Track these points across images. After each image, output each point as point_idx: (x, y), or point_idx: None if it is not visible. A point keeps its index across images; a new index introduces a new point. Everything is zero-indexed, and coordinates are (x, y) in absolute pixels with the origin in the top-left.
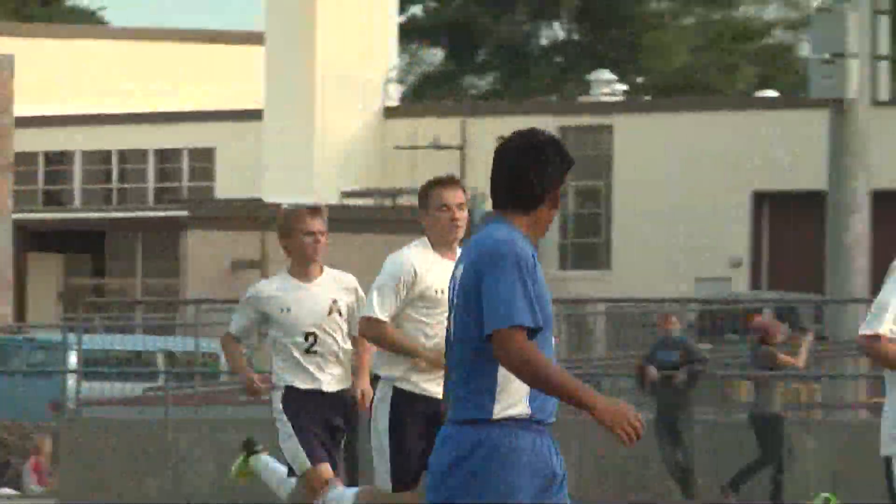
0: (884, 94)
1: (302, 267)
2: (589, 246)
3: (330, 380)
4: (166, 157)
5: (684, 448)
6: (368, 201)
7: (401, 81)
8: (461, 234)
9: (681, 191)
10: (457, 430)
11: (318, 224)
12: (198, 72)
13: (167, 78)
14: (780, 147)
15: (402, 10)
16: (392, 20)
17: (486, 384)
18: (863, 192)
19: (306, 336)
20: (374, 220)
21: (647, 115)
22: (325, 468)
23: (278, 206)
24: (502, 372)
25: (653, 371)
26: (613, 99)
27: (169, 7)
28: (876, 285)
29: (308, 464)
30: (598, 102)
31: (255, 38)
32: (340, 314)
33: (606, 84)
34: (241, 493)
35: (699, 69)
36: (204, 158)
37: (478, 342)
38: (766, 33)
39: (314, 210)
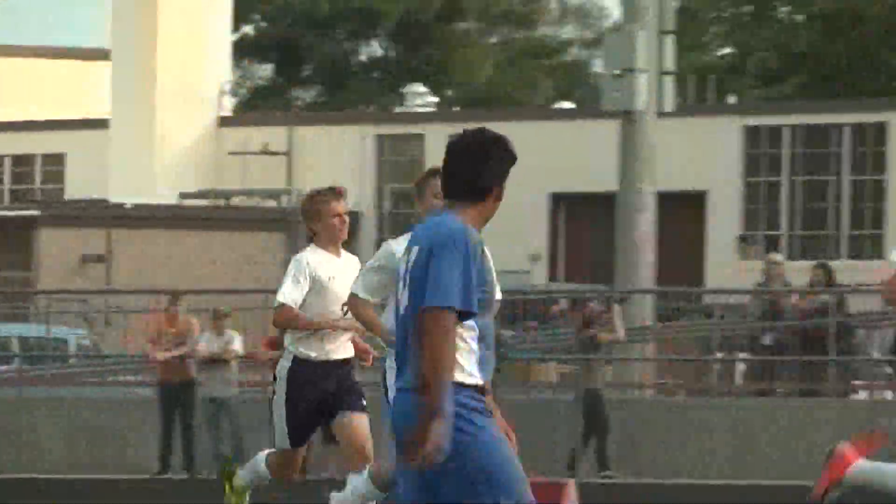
0: (668, 107)
1: (331, 245)
2: None
3: (339, 349)
4: (21, 161)
5: None
6: (204, 202)
7: (234, 94)
8: None
9: None
10: (413, 396)
11: (343, 206)
12: (50, 84)
13: (23, 89)
14: (575, 153)
15: (235, 29)
16: (226, 38)
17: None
18: (649, 193)
19: (342, 305)
20: (209, 218)
21: (456, 125)
22: (298, 454)
23: (121, 205)
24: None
25: None
26: (425, 110)
27: (25, 26)
28: (660, 277)
29: (288, 444)
30: (411, 113)
31: (101, 55)
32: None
33: (419, 96)
34: (90, 468)
35: (503, 83)
36: (55, 163)
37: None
38: (562, 51)
39: (338, 193)
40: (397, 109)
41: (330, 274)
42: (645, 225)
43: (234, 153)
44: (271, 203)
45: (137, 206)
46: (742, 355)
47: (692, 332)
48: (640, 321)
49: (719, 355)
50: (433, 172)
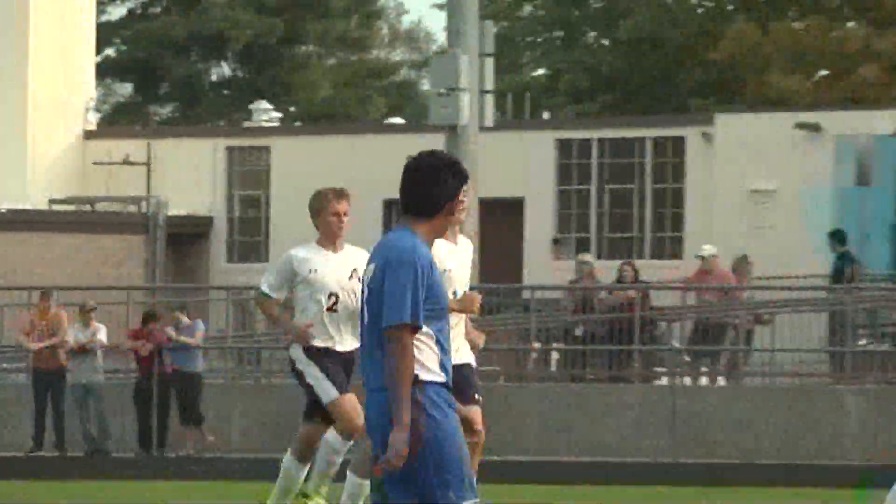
0: (488, 122)
1: (328, 240)
2: (252, 244)
3: (344, 340)
4: None
5: None
6: (72, 207)
7: (98, 110)
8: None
9: None
10: (382, 395)
11: (343, 206)
12: None
13: None
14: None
15: (99, 51)
16: (90, 59)
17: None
18: (471, 199)
19: (329, 295)
20: (76, 222)
21: (298, 138)
22: (350, 396)
23: None
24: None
25: None
26: (270, 124)
27: None
28: (483, 275)
29: (335, 394)
30: (258, 127)
31: None
32: (360, 281)
33: (265, 112)
34: None
35: (340, 101)
36: None
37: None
38: (394, 72)
39: (340, 194)
40: (245, 124)
41: (314, 267)
42: (468, 227)
43: (99, 163)
44: (133, 208)
45: (11, 211)
46: (556, 345)
47: (512, 325)
48: None
49: (536, 345)
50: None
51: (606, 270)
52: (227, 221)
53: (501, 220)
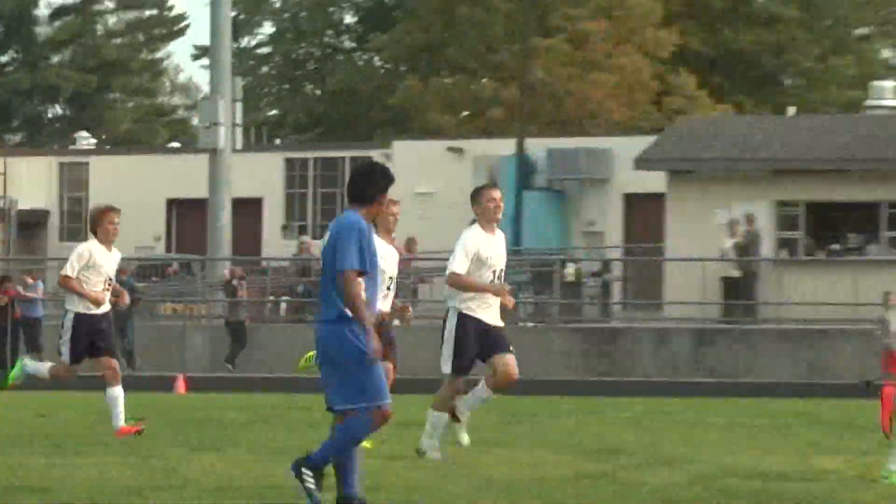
0: (238, 146)
1: (386, 234)
2: (76, 229)
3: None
4: None
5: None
6: None
7: None
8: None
9: (129, 200)
10: (330, 324)
11: (397, 208)
12: None
13: None
14: (182, 174)
15: None
16: None
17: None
18: (226, 199)
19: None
20: None
21: (108, 157)
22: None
23: None
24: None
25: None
26: (89, 147)
27: None
28: (235, 251)
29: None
30: (80, 149)
31: None
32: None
33: (85, 139)
34: None
35: (138, 131)
36: None
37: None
38: (173, 111)
39: (394, 201)
40: (72, 147)
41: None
42: (224, 220)
43: None
44: None
45: None
46: (284, 298)
47: (254, 285)
48: (222, 277)
49: (272, 297)
50: (488, 187)
51: (317, 247)
52: (59, 214)
53: (248, 213)
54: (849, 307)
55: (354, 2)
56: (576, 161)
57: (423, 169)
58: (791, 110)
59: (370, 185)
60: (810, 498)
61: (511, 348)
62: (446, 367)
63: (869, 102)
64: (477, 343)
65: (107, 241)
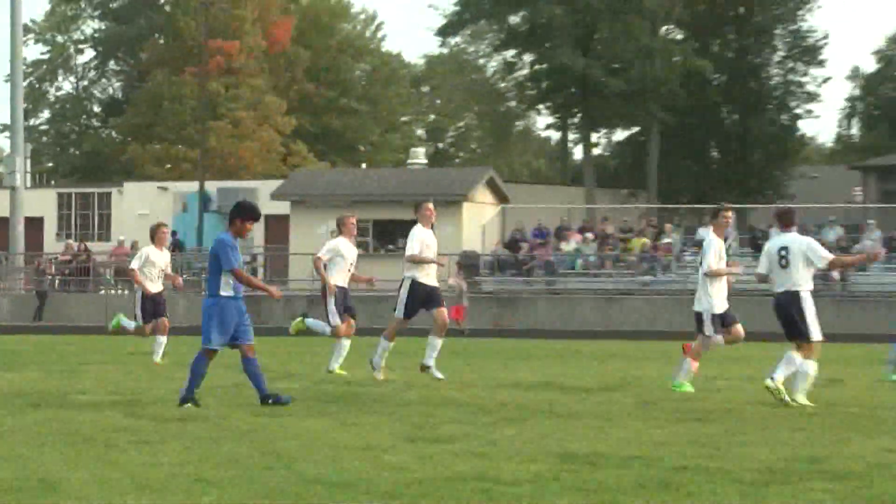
0: (28, 185)
1: (350, 237)
2: None
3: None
4: None
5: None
6: None
7: None
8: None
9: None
10: (212, 299)
11: (354, 220)
12: None
13: None
14: None
15: None
16: None
17: (218, 283)
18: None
19: (350, 264)
20: None
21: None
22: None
23: None
24: (224, 279)
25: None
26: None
27: None
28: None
29: (339, 320)
30: None
31: None
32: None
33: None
34: None
35: None
36: None
37: (218, 271)
38: None
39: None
40: None
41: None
42: (20, 230)
43: None
44: None
45: None
46: (58, 276)
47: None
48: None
49: (51, 277)
50: (426, 202)
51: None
52: None
53: (34, 227)
54: None
55: (99, 98)
56: (236, 195)
57: (142, 200)
58: (364, 165)
59: (238, 214)
60: None
61: (444, 303)
62: (399, 314)
63: (409, 161)
64: (420, 300)
65: (160, 244)
